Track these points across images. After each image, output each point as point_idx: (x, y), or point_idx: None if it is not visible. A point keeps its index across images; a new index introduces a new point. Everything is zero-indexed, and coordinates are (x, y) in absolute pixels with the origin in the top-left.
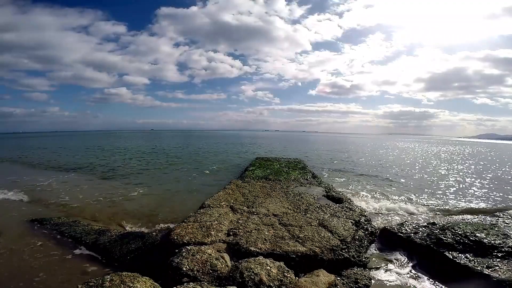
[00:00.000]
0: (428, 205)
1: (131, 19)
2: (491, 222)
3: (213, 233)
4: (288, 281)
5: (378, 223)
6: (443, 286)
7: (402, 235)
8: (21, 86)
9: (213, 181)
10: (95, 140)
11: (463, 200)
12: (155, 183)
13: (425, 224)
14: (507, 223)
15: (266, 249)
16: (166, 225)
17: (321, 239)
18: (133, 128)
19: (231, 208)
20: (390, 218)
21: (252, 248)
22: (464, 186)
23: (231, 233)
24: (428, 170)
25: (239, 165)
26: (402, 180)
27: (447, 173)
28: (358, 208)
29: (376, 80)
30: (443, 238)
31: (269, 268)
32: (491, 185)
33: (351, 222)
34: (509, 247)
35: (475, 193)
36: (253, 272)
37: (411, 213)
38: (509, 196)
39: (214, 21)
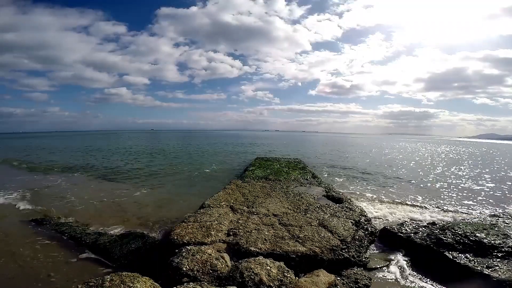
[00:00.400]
0: (429, 206)
1: (131, 19)
2: (491, 222)
3: (213, 233)
4: (288, 281)
5: (378, 223)
6: (443, 286)
7: (402, 235)
8: (21, 86)
9: (213, 181)
10: (96, 141)
11: (464, 200)
12: (155, 183)
13: (425, 224)
14: (507, 223)
15: (266, 249)
16: (166, 225)
17: (321, 239)
18: (134, 128)
19: (231, 208)
20: (390, 218)
21: (252, 248)
22: (464, 186)
23: (231, 233)
24: (429, 170)
25: (239, 165)
26: (402, 180)
27: (447, 173)
28: (358, 208)
29: (376, 80)
30: (443, 238)
31: (269, 268)
32: (493, 185)
33: (351, 222)
34: (509, 247)
35: (476, 193)
36: (253, 272)
37: (412, 214)
38: (509, 197)
39: (214, 21)
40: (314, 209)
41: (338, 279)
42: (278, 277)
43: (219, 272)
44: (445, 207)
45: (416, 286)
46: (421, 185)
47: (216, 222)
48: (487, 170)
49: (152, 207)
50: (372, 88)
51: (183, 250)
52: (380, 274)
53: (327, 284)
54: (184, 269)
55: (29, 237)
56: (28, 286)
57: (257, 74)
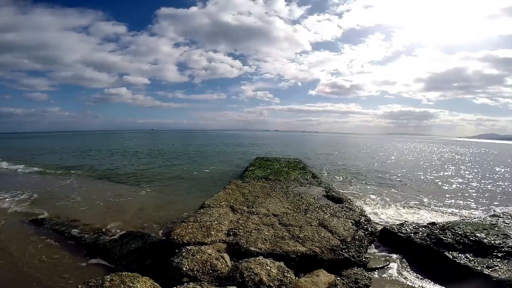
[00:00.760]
0: (429, 206)
1: (131, 20)
2: (491, 222)
3: (213, 233)
4: (288, 281)
5: (378, 223)
6: (443, 286)
7: (402, 235)
8: (21, 86)
9: (213, 181)
10: (96, 141)
11: (464, 200)
12: (155, 184)
13: (425, 224)
14: (507, 223)
15: (266, 249)
16: (166, 225)
17: (321, 239)
18: (134, 128)
19: (231, 208)
20: (390, 218)
21: (252, 248)
22: (464, 186)
23: (231, 233)
24: (429, 170)
25: (239, 165)
26: (402, 180)
27: (447, 173)
28: (358, 208)
29: (376, 80)
30: (443, 238)
31: (269, 268)
32: (493, 186)
33: (351, 222)
34: (509, 247)
35: (476, 193)
36: (253, 272)
37: (412, 214)
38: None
39: (214, 21)
40: (314, 209)
41: (338, 279)
42: (278, 277)
43: (219, 272)
44: (445, 207)
45: (416, 286)
46: (421, 185)
47: (216, 222)
48: (487, 170)
49: (152, 207)
50: (372, 88)
51: (183, 250)
52: (380, 274)
53: (327, 284)
54: (184, 269)
55: (28, 237)
56: (27, 286)
57: (257, 74)
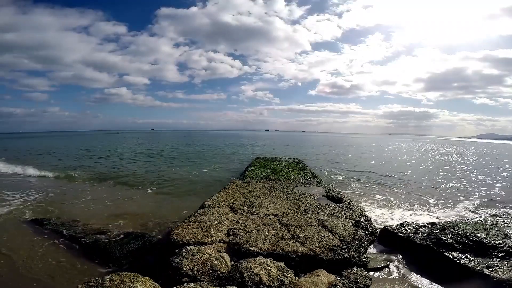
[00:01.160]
0: (429, 206)
1: (131, 20)
2: (491, 222)
3: (213, 233)
4: (288, 281)
5: (378, 223)
6: (443, 286)
7: (402, 235)
8: (21, 86)
9: (213, 181)
10: (95, 141)
11: (464, 200)
12: (155, 184)
13: (425, 224)
14: (507, 223)
15: (266, 249)
16: (166, 225)
17: (321, 239)
18: (134, 128)
19: (231, 208)
20: (390, 218)
21: (252, 248)
22: (464, 185)
23: (231, 233)
24: (428, 170)
25: (239, 165)
26: (402, 179)
27: (446, 172)
28: (358, 208)
29: (375, 80)
30: (443, 238)
31: (269, 268)
32: (494, 186)
33: (351, 222)
34: (509, 247)
35: (476, 193)
36: (253, 272)
37: (412, 214)
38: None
39: (214, 21)
40: (314, 209)
41: (338, 279)
42: (278, 277)
43: (219, 272)
44: (445, 207)
45: (416, 286)
46: (421, 185)
47: (216, 222)
48: (488, 170)
49: (152, 207)
50: (372, 88)
51: (183, 250)
52: (380, 274)
53: (327, 284)
54: (184, 269)
55: (28, 237)
56: (28, 287)
57: (257, 74)
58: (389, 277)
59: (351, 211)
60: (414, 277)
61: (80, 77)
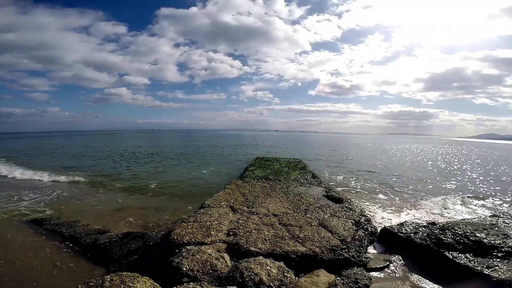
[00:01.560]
0: (429, 207)
1: (131, 20)
2: (491, 222)
3: (213, 233)
4: (288, 281)
5: (378, 223)
6: (443, 286)
7: (402, 235)
8: (21, 86)
9: (213, 181)
10: (96, 141)
11: (464, 199)
12: (155, 184)
13: (425, 224)
14: (507, 223)
15: (266, 249)
16: (166, 225)
17: (321, 239)
18: (134, 128)
19: (231, 208)
20: (390, 218)
21: (252, 248)
22: (464, 185)
23: (231, 233)
24: (429, 170)
25: (239, 165)
26: (403, 179)
27: (448, 173)
28: (358, 208)
29: (375, 80)
30: (443, 238)
31: (269, 268)
32: (494, 185)
33: (351, 222)
34: (509, 247)
35: (476, 193)
36: (253, 272)
37: (412, 213)
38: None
39: (214, 21)
40: (314, 209)
41: (338, 279)
42: (278, 277)
43: (219, 272)
44: (445, 207)
45: (416, 286)
46: (421, 185)
47: (216, 222)
48: (488, 170)
49: (152, 208)
50: (372, 88)
51: (183, 250)
52: (380, 274)
53: (327, 284)
54: (184, 269)
55: (28, 237)
56: (27, 287)
57: (257, 74)
58: (389, 277)
59: (351, 211)
60: (414, 277)
61: (80, 77)
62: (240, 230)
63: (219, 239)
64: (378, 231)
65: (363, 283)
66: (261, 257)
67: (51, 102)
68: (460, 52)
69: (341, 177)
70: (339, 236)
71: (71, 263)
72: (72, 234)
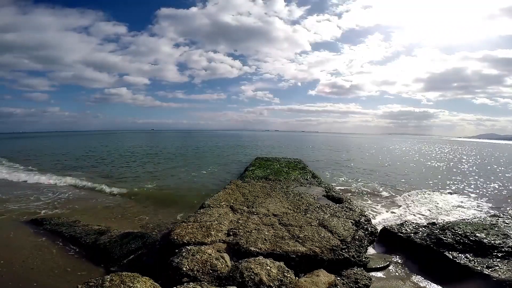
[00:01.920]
0: (428, 206)
1: (131, 20)
2: (491, 222)
3: (213, 233)
4: (288, 281)
5: (378, 222)
6: (443, 286)
7: (402, 235)
8: (21, 86)
9: (213, 181)
10: (96, 141)
11: (464, 199)
12: (155, 184)
13: (425, 224)
14: (507, 223)
15: (266, 249)
16: (166, 225)
17: (321, 239)
18: (134, 128)
19: (231, 208)
20: (390, 218)
21: (252, 248)
22: (464, 185)
23: (231, 233)
24: (429, 170)
25: (239, 165)
26: (402, 179)
27: (448, 173)
28: (358, 208)
29: (375, 80)
30: (443, 238)
31: (269, 268)
32: (494, 185)
33: (351, 222)
34: (509, 247)
35: (476, 193)
36: (253, 272)
37: (412, 213)
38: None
39: (214, 21)
40: (314, 209)
41: (338, 279)
42: (278, 277)
43: (219, 272)
44: (445, 207)
45: (416, 286)
46: (421, 184)
47: (216, 222)
48: (488, 169)
49: (152, 208)
50: (372, 88)
51: (183, 250)
52: (380, 274)
53: (327, 284)
54: (184, 269)
55: (28, 237)
56: (27, 287)
57: (257, 74)
58: (389, 277)
59: (351, 211)
60: (414, 277)
61: (80, 77)
62: (240, 230)
63: (219, 239)
64: (378, 231)
65: (363, 283)
66: (261, 257)
67: (51, 102)
68: (460, 52)
69: (342, 178)
70: (339, 236)
71: (71, 263)
72: (72, 234)
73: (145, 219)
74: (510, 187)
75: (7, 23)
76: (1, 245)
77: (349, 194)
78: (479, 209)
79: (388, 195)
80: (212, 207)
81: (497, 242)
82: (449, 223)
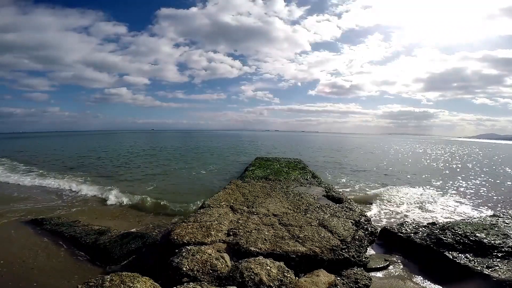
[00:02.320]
0: (428, 206)
1: (131, 20)
2: (491, 222)
3: (213, 233)
4: (288, 281)
5: (378, 222)
6: (443, 286)
7: (402, 235)
8: (21, 86)
9: (213, 181)
10: (96, 141)
11: (464, 199)
12: (155, 184)
13: (425, 224)
14: (507, 223)
15: (266, 249)
16: (166, 225)
17: (321, 239)
18: (134, 128)
19: (231, 208)
20: (390, 218)
21: (252, 248)
22: (464, 185)
23: (231, 233)
24: (429, 169)
25: (239, 165)
26: (401, 179)
27: (448, 173)
28: (358, 208)
29: (375, 80)
30: (443, 238)
31: (269, 268)
32: (494, 185)
33: (351, 222)
34: (509, 247)
35: (476, 193)
36: (253, 272)
37: (412, 213)
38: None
39: (214, 22)
40: (314, 209)
41: (338, 279)
42: (278, 277)
43: (219, 272)
44: (445, 207)
45: (416, 286)
46: (421, 184)
47: (216, 222)
48: (488, 169)
49: (152, 208)
50: (372, 88)
51: (183, 250)
52: (380, 274)
53: (327, 284)
54: (184, 269)
55: (28, 237)
56: (27, 287)
57: (257, 74)
58: (389, 277)
59: (351, 211)
60: (414, 277)
61: (80, 77)
62: (240, 230)
63: (219, 239)
64: (378, 231)
65: (363, 283)
66: (261, 257)
67: (51, 102)
68: (460, 52)
69: (343, 180)
70: (339, 236)
71: (71, 263)
72: (72, 234)
73: (145, 219)
74: (510, 187)
75: (7, 23)
76: (1, 245)
77: (349, 193)
78: (479, 209)
79: (388, 195)
80: (212, 207)
81: (497, 242)
82: (449, 223)
